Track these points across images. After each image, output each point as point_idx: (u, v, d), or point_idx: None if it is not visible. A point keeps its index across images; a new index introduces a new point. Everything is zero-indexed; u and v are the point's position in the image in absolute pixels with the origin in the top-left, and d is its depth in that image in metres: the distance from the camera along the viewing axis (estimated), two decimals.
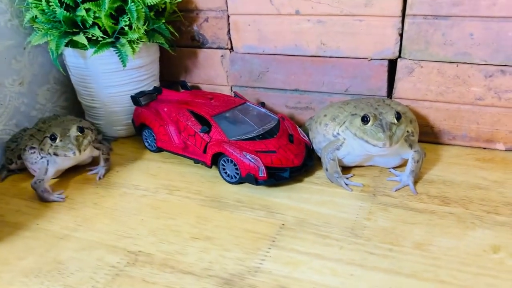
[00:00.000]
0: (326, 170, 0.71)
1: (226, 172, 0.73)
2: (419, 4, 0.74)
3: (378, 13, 0.77)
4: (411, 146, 0.69)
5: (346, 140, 0.69)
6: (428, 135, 0.82)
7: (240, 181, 0.71)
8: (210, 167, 0.75)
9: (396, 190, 0.68)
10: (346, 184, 0.70)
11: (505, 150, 0.79)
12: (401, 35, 0.77)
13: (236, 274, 0.53)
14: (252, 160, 0.68)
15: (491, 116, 0.77)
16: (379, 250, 0.56)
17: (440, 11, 0.73)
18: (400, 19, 0.76)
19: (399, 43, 0.78)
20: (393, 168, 0.73)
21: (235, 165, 0.70)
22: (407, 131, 0.69)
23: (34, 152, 0.74)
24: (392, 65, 0.81)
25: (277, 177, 0.70)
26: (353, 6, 0.78)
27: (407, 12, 0.75)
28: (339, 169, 0.71)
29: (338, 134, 0.71)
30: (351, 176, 0.72)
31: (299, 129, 0.77)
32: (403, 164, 0.71)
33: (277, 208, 0.66)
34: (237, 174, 0.71)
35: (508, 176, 0.71)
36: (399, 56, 0.79)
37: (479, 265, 0.52)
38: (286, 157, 0.70)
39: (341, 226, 0.61)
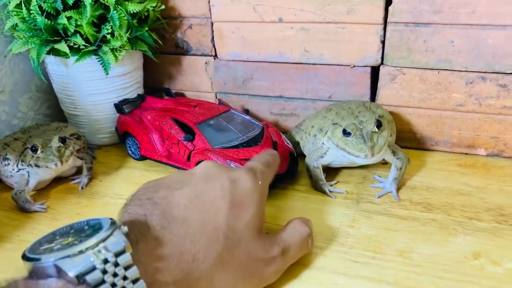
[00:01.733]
0: (311, 177, 0.71)
1: None
2: (400, 11, 0.74)
3: (360, 21, 0.77)
4: (394, 153, 0.69)
5: (330, 149, 0.70)
6: (411, 141, 0.83)
7: None
8: None
9: (379, 197, 0.68)
10: (330, 192, 0.70)
11: (486, 156, 0.80)
12: (383, 42, 0.78)
13: None
14: None
15: (472, 122, 0.78)
16: (362, 258, 0.56)
17: (421, 18, 0.74)
18: (382, 26, 0.77)
19: (381, 50, 0.79)
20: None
21: None
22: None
23: (9, 164, 0.72)
24: (375, 72, 0.82)
25: None
26: (336, 13, 0.78)
27: (389, 19, 0.76)
28: (323, 177, 0.71)
29: (323, 143, 0.71)
30: (335, 183, 0.73)
31: (283, 136, 0.77)
32: (387, 169, 0.72)
33: None
34: None
35: (489, 181, 0.71)
36: (382, 63, 0.80)
37: (460, 271, 0.53)
38: None
39: (325, 234, 0.61)
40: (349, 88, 0.83)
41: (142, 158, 0.83)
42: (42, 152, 0.69)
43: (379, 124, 0.65)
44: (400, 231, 0.61)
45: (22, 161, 0.70)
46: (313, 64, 0.84)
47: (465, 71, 0.75)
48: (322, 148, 0.71)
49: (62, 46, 0.76)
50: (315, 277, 0.53)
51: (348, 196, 0.69)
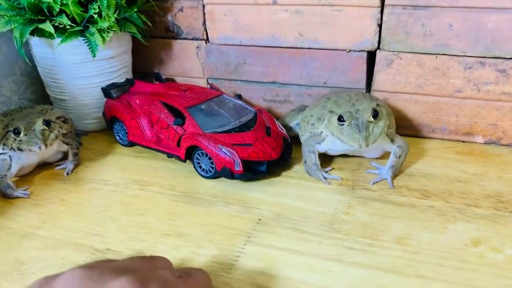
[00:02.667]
0: (305, 162, 0.69)
1: (200, 167, 0.70)
2: None
3: (356, 3, 0.75)
4: (392, 141, 0.67)
5: (328, 136, 0.67)
6: (408, 128, 0.81)
7: (215, 176, 0.69)
8: (184, 161, 0.72)
9: (373, 183, 0.66)
10: (325, 178, 0.68)
11: (484, 143, 0.78)
12: (380, 25, 0.76)
13: (210, 272, 0.50)
14: (228, 154, 0.66)
15: (470, 108, 0.76)
16: (358, 245, 0.54)
17: (419, 1, 0.72)
18: (379, 9, 0.74)
19: (378, 34, 0.76)
20: (375, 159, 0.72)
21: (210, 158, 0.67)
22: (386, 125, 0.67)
23: None
24: (371, 57, 0.79)
25: (254, 171, 0.67)
26: None
27: (386, 2, 0.73)
28: (318, 162, 0.69)
29: (322, 131, 0.69)
30: (330, 170, 0.70)
31: (277, 122, 0.75)
32: (386, 156, 0.69)
33: (253, 203, 0.63)
34: (212, 168, 0.68)
35: (487, 169, 0.70)
36: (378, 48, 0.78)
37: (459, 259, 0.51)
38: (263, 150, 0.67)
39: (319, 221, 0.59)
40: (345, 74, 0.81)
41: (131, 144, 0.80)
42: (25, 135, 0.66)
43: (375, 114, 0.62)
44: (397, 218, 0.59)
45: (4, 144, 0.67)
46: (308, 48, 0.82)
47: (464, 55, 0.73)
48: (320, 135, 0.69)
49: (47, 26, 0.73)
50: (308, 264, 0.51)
51: (343, 183, 0.67)
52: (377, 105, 0.66)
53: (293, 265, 0.51)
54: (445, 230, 0.56)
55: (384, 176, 0.67)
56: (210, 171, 0.69)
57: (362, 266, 0.51)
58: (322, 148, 0.69)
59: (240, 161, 0.65)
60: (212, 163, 0.67)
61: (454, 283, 0.48)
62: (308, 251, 0.53)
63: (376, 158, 0.72)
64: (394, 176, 0.67)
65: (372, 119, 0.62)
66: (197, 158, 0.70)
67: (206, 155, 0.67)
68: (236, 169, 0.66)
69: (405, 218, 0.59)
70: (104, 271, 0.36)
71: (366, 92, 0.81)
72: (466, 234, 0.55)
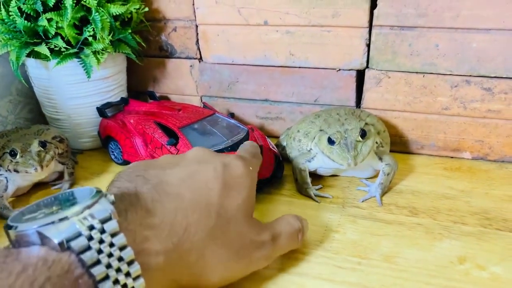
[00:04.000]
0: (296, 180, 0.71)
1: None
2: (385, 15, 0.74)
3: (345, 24, 0.77)
4: (381, 159, 0.69)
5: (318, 154, 0.69)
6: (397, 145, 0.83)
7: None
8: None
9: (363, 201, 0.68)
10: (316, 195, 0.69)
11: (472, 159, 0.80)
12: (368, 45, 0.78)
13: None
14: None
15: (457, 125, 0.78)
16: (347, 263, 0.55)
17: (406, 22, 0.74)
18: (367, 29, 0.76)
19: (366, 54, 0.78)
20: (366, 178, 0.74)
21: None
22: (376, 142, 0.70)
23: None
24: (360, 75, 0.81)
25: None
26: (321, 16, 0.78)
27: (374, 22, 0.76)
28: (308, 180, 0.70)
29: (311, 149, 0.71)
30: (320, 188, 0.72)
31: (268, 139, 0.77)
32: (377, 174, 0.71)
33: None
34: None
35: (474, 185, 0.71)
36: (367, 67, 0.80)
37: (446, 276, 0.52)
38: None
39: (310, 239, 0.60)
40: (335, 92, 0.83)
41: (125, 162, 0.81)
42: (21, 156, 0.67)
43: (363, 133, 0.65)
44: (386, 236, 0.60)
45: (0, 165, 0.68)
46: (299, 67, 0.84)
47: (450, 74, 0.75)
48: (310, 153, 0.71)
49: (43, 49, 0.75)
50: (298, 283, 0.52)
51: (333, 201, 0.69)
52: (366, 124, 0.68)
53: (282, 284, 0.52)
54: (432, 248, 0.57)
55: (373, 194, 0.68)
56: None
57: (351, 285, 0.52)
58: (312, 166, 0.71)
59: None
60: None
61: None
62: (298, 270, 0.54)
63: (368, 178, 0.74)
64: (383, 193, 0.69)
65: (360, 138, 0.64)
66: None
67: None
68: None
69: (393, 236, 0.60)
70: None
71: (357, 107, 0.83)
72: (452, 252, 0.56)
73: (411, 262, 0.55)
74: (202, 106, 0.87)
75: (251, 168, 0.51)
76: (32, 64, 0.81)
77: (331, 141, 0.65)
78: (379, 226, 0.62)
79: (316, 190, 0.71)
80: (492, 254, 0.56)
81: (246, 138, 0.74)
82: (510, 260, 0.55)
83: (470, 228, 0.61)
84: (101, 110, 0.83)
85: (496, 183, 0.72)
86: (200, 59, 0.91)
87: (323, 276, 0.53)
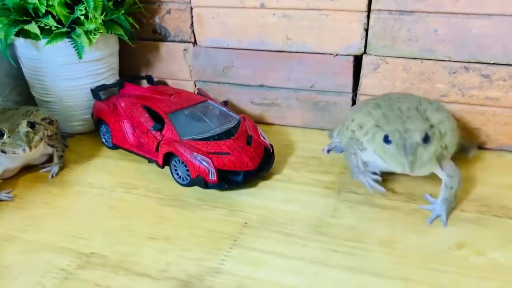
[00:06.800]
0: (348, 164, 0.66)
1: (178, 174, 0.69)
2: None
3: (344, 8, 0.75)
4: (442, 168, 0.60)
5: (369, 149, 0.62)
6: None
7: (191, 184, 0.67)
8: (162, 167, 0.71)
9: (430, 222, 0.58)
10: (369, 184, 0.62)
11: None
12: (366, 30, 0.76)
13: (195, 276, 0.50)
14: (203, 162, 0.65)
15: (455, 113, 0.77)
16: (344, 248, 0.54)
17: (405, 6, 0.72)
18: (366, 14, 0.75)
19: (364, 39, 0.77)
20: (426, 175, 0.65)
21: (186, 166, 0.67)
22: (441, 146, 0.60)
23: None
24: (358, 61, 0.80)
25: (229, 181, 0.66)
26: (319, 0, 0.76)
27: (372, 6, 0.74)
28: (360, 164, 0.64)
29: (363, 143, 0.64)
30: (379, 178, 0.63)
31: (260, 130, 0.73)
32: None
33: (240, 206, 0.63)
34: (188, 176, 0.67)
35: (472, 172, 0.70)
36: (365, 52, 0.78)
37: (444, 262, 0.51)
38: (241, 160, 0.66)
39: (306, 224, 0.59)
40: (332, 78, 0.82)
41: (114, 147, 0.79)
42: (9, 137, 0.65)
43: (426, 138, 0.55)
44: (383, 221, 0.59)
45: None
46: (296, 52, 0.82)
47: (449, 60, 0.74)
48: (362, 144, 0.64)
49: (33, 27, 0.72)
50: (294, 267, 0.51)
51: (329, 186, 0.68)
52: (431, 126, 0.59)
53: (279, 268, 0.51)
54: (430, 234, 0.56)
55: (438, 213, 0.59)
56: (187, 179, 0.68)
57: (348, 269, 0.51)
58: (365, 157, 0.64)
59: (214, 170, 0.64)
60: (188, 170, 0.67)
61: (438, 285, 0.48)
62: (294, 254, 0.53)
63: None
64: (450, 210, 0.60)
65: (422, 143, 0.55)
66: (174, 165, 0.69)
67: (183, 162, 0.67)
68: (210, 178, 0.65)
69: (390, 221, 0.59)
70: None
71: (354, 94, 0.82)
72: (450, 238, 0.55)
73: (408, 247, 0.54)
74: (196, 92, 0.85)
75: None
76: (21, 44, 0.78)
77: (387, 140, 0.56)
78: (376, 212, 0.61)
79: (372, 180, 0.63)
80: (490, 240, 0.55)
81: (237, 127, 0.72)
82: (509, 246, 0.54)
83: (468, 214, 0.60)
84: (94, 92, 0.81)
85: (493, 171, 0.71)
86: (195, 42, 0.89)
87: (319, 260, 0.52)
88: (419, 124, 0.57)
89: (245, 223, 0.60)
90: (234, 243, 0.56)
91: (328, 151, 0.77)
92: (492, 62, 0.72)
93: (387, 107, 0.64)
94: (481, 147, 0.78)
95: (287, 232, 0.57)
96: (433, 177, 0.68)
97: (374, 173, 0.63)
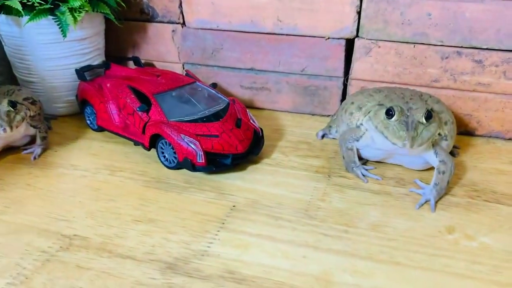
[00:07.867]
0: (343, 158, 0.66)
1: (164, 156, 0.67)
2: None
3: None
4: (437, 153, 0.60)
5: (367, 131, 0.62)
6: None
7: (178, 167, 0.66)
8: (149, 150, 0.69)
9: (419, 207, 0.58)
10: (363, 175, 0.64)
11: (459, 134, 0.78)
12: (359, 13, 0.75)
13: (181, 258, 0.49)
14: (190, 144, 0.63)
15: (446, 98, 0.76)
16: (333, 231, 0.53)
17: None
18: None
19: (357, 22, 0.76)
20: (419, 170, 0.66)
21: (173, 148, 0.65)
22: (439, 134, 0.61)
23: None
24: (350, 45, 0.79)
25: (217, 163, 0.65)
26: None
27: None
28: (356, 159, 0.65)
29: (361, 124, 0.64)
30: (372, 169, 0.66)
31: (249, 113, 0.72)
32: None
33: (228, 189, 0.62)
34: (176, 158, 0.65)
35: (462, 158, 0.70)
36: (357, 36, 0.77)
37: (434, 246, 0.51)
38: (230, 143, 0.65)
39: (295, 208, 0.58)
40: (323, 61, 0.80)
41: (101, 129, 0.77)
42: None
43: (428, 115, 0.56)
44: (373, 205, 0.58)
45: None
46: (287, 35, 0.80)
47: (441, 45, 0.73)
48: (359, 130, 0.64)
49: (14, 3, 0.69)
50: (283, 250, 0.50)
51: (319, 170, 0.66)
52: (432, 109, 0.59)
53: (267, 251, 0.50)
54: (420, 218, 0.56)
55: (427, 197, 0.59)
56: (173, 162, 0.66)
57: (337, 252, 0.50)
58: (360, 145, 0.64)
59: (202, 153, 0.63)
60: (175, 153, 0.65)
61: (429, 269, 0.47)
62: (283, 237, 0.52)
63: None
64: (439, 196, 0.59)
65: (424, 120, 0.56)
66: (161, 147, 0.67)
67: (170, 144, 0.65)
68: (198, 161, 0.63)
69: (380, 205, 0.58)
70: None
71: (345, 78, 0.80)
72: (440, 222, 0.55)
73: (399, 231, 0.53)
74: (184, 74, 0.83)
75: None
76: (2, 21, 0.76)
77: (389, 114, 0.57)
78: (366, 196, 0.60)
79: (366, 170, 0.65)
80: (481, 224, 0.54)
81: (226, 109, 0.70)
82: (499, 230, 0.53)
83: (458, 199, 0.59)
84: (79, 72, 0.79)
85: (484, 157, 0.71)
86: (183, 23, 0.87)
87: (309, 244, 0.51)
88: (422, 104, 0.59)
89: (233, 206, 0.58)
90: (222, 226, 0.54)
91: (322, 136, 0.76)
92: (485, 47, 0.71)
93: (389, 91, 0.66)
94: (472, 133, 0.78)
95: (276, 216, 0.56)
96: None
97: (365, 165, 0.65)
